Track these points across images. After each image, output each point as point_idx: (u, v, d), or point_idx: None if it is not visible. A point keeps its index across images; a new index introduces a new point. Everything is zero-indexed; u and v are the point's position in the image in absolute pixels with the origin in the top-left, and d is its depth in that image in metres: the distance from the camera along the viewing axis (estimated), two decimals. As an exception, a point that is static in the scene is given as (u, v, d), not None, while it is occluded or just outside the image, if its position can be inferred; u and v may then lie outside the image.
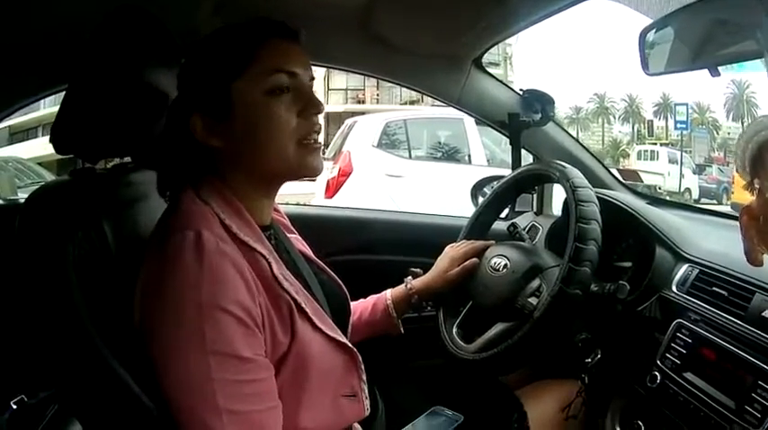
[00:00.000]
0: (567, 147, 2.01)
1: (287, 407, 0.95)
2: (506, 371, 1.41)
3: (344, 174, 6.34)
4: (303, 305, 1.00)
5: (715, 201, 18.38)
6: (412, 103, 19.96)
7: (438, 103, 2.20)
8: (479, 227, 1.61)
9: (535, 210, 2.09)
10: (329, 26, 1.68)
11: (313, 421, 1.01)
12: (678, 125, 24.14)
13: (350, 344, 1.09)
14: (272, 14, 1.03)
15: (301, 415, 0.99)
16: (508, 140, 2.00)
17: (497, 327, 1.29)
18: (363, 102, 22.05)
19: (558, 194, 1.92)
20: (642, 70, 1.29)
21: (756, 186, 0.90)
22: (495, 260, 1.40)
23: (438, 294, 1.47)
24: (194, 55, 1.04)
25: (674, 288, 1.31)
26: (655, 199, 2.01)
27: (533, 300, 1.26)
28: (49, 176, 7.68)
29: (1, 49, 1.40)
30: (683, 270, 1.33)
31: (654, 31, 1.28)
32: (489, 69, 2.01)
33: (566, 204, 1.55)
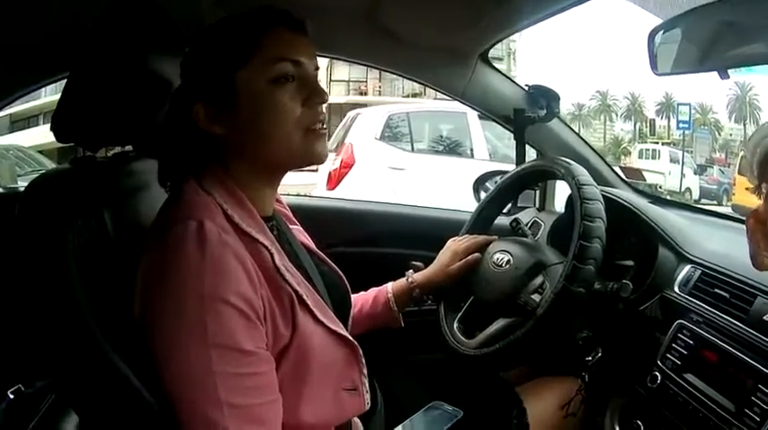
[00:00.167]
0: (571, 144, 1.99)
1: (287, 400, 0.95)
2: (507, 367, 1.41)
3: (347, 166, 6.30)
4: (305, 297, 0.99)
5: (715, 202, 18.40)
6: (414, 95, 19.94)
7: (441, 96, 2.19)
8: (482, 221, 1.61)
9: (537, 205, 2.08)
10: (335, 17, 1.68)
11: (313, 414, 1.00)
12: (680, 125, 24.11)
13: (351, 338, 1.09)
14: (277, 4, 1.02)
15: (302, 408, 0.98)
16: (511, 135, 1.99)
17: (499, 323, 1.29)
18: (365, 93, 21.99)
19: (561, 191, 1.92)
20: (651, 70, 1.28)
21: (763, 191, 0.89)
22: (497, 255, 1.39)
23: (439, 288, 1.47)
24: (198, 43, 1.03)
25: (676, 288, 1.31)
26: (657, 198, 2.00)
27: (536, 297, 1.25)
28: (50, 164, 7.68)
29: (2, 37, 1.39)
30: (685, 270, 1.33)
31: (662, 31, 1.27)
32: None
33: (569, 201, 1.55)
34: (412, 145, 6.92)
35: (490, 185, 2.11)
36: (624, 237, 1.54)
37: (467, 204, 2.07)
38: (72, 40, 1.09)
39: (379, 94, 21.62)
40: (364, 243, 2.03)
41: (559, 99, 1.90)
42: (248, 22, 1.00)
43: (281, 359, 0.95)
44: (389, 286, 1.46)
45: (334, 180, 6.30)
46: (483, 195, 2.05)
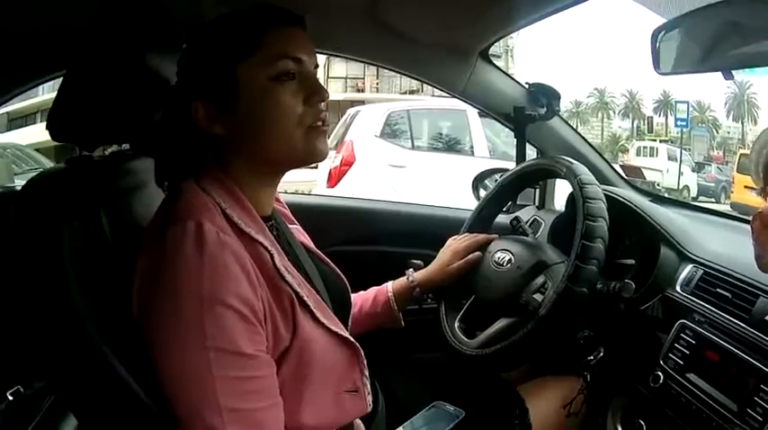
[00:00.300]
0: (571, 143, 1.99)
1: (288, 402, 0.94)
2: (509, 367, 1.40)
3: (347, 164, 6.31)
4: (305, 298, 0.98)
5: (713, 200, 18.45)
6: (412, 92, 19.97)
7: (439, 93, 2.19)
8: (482, 220, 1.60)
9: (537, 204, 2.08)
10: (335, 13, 1.67)
11: (315, 417, 1.00)
12: (678, 123, 24.18)
13: (352, 339, 1.08)
14: (277, 1, 1.01)
15: (303, 411, 0.98)
16: (508, 131, 1.98)
17: (500, 323, 1.28)
18: (363, 90, 21.99)
19: (560, 189, 1.92)
20: (653, 69, 1.28)
21: None
22: (498, 254, 1.39)
23: (439, 287, 1.46)
24: (198, 40, 1.02)
25: (678, 288, 1.30)
26: (657, 196, 2.00)
27: (538, 297, 1.25)
28: (48, 163, 7.65)
29: (-1, 34, 1.38)
30: (687, 270, 1.32)
31: (665, 31, 1.26)
32: (490, 61, 1.99)
33: (570, 200, 1.54)
34: (412, 142, 6.92)
35: (489, 183, 2.11)
36: (626, 237, 1.54)
37: (467, 201, 2.07)
38: (69, 38, 1.08)
39: (377, 91, 21.60)
40: (364, 242, 2.03)
41: (560, 97, 1.89)
42: (249, 18, 0.99)
43: (281, 361, 0.94)
44: (389, 285, 1.45)
45: (334, 178, 6.30)
46: (482, 193, 2.05)
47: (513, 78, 1.98)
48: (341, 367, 1.06)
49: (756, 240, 0.91)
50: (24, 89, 1.59)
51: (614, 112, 41.31)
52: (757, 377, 1.04)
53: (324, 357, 1.00)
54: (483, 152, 6.76)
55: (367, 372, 1.11)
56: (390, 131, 6.86)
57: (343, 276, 1.26)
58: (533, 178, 1.63)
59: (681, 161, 19.72)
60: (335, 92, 20.87)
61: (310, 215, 1.39)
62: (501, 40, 1.99)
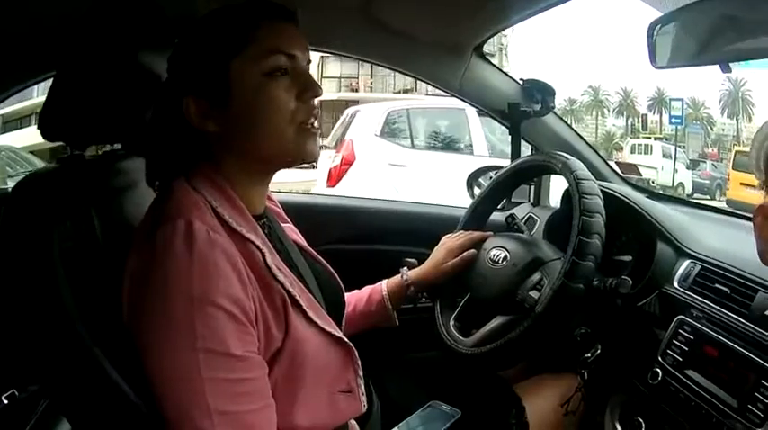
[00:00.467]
0: (566, 139, 1.99)
1: (282, 404, 0.93)
2: (505, 365, 1.38)
3: (347, 163, 6.34)
4: (297, 297, 0.97)
5: (708, 197, 18.52)
6: (406, 91, 19.99)
7: (434, 91, 2.18)
8: (477, 217, 1.59)
9: (532, 201, 2.07)
10: (330, 10, 1.66)
11: (308, 418, 0.99)
12: (672, 120, 24.26)
13: (346, 339, 1.07)
14: None
15: (296, 412, 0.97)
16: (504, 130, 1.98)
17: (496, 321, 1.27)
18: (357, 90, 22.03)
19: (555, 185, 1.91)
20: (649, 63, 1.27)
21: None
22: (494, 252, 1.38)
23: (434, 285, 1.45)
24: (190, 35, 1.01)
25: (675, 284, 1.29)
26: (653, 193, 2.00)
27: (534, 294, 1.23)
28: (42, 165, 7.64)
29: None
30: (684, 266, 1.31)
31: (662, 24, 1.26)
32: (484, 60, 1.98)
33: (566, 196, 1.53)
34: (412, 141, 6.98)
35: (483, 181, 2.09)
36: (622, 233, 1.52)
37: (467, 200, 2.06)
38: (59, 37, 1.08)
39: (371, 91, 21.62)
40: (358, 240, 2.02)
41: (554, 94, 1.89)
42: (242, 12, 0.98)
43: (273, 362, 0.93)
44: (384, 284, 1.45)
45: (334, 177, 6.34)
46: (476, 191, 2.04)
47: (507, 75, 1.97)
48: (334, 367, 1.05)
49: (759, 235, 0.89)
50: (15, 90, 1.58)
51: (609, 110, 41.44)
52: (757, 372, 1.03)
53: (317, 357, 0.99)
54: (482, 150, 6.80)
55: (361, 372, 1.10)
56: (390, 130, 6.90)
57: (336, 275, 1.25)
58: (528, 175, 1.62)
59: (675, 158, 19.79)
60: (330, 91, 20.91)
61: (303, 214, 1.39)
62: (495, 39, 1.99)
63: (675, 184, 18.53)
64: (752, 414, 1.00)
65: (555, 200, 1.89)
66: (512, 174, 1.56)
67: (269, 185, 1.11)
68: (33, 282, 0.90)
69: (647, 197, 1.68)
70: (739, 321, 1.12)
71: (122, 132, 1.15)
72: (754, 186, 0.97)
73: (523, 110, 1.88)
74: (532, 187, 2.07)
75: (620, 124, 40.87)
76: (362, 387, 1.10)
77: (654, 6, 1.39)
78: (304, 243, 1.24)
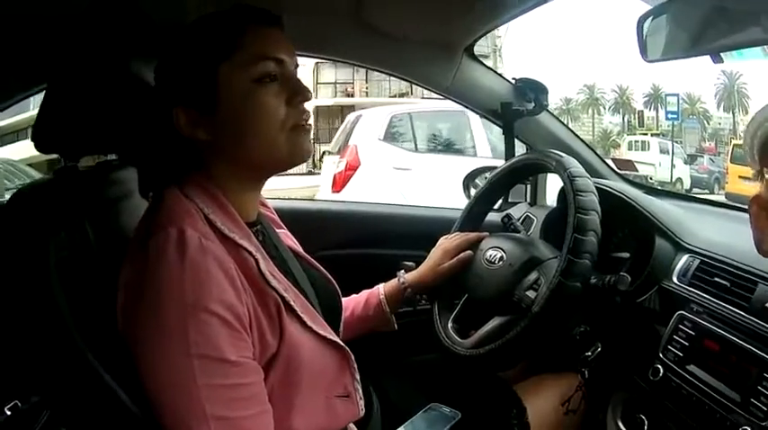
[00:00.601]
0: (560, 137, 1.98)
1: (278, 410, 0.93)
2: (504, 366, 1.38)
3: (352, 168, 6.34)
4: (292, 303, 0.97)
5: (707, 191, 18.55)
6: (401, 95, 20.07)
7: (429, 95, 2.18)
8: (473, 218, 1.58)
9: (529, 200, 2.07)
10: (319, 15, 1.66)
11: (306, 424, 0.98)
12: (669, 116, 24.34)
13: (342, 343, 1.06)
14: (260, 4, 1.00)
15: (293, 417, 0.96)
16: (499, 130, 1.97)
17: (494, 322, 1.26)
18: (352, 95, 22.12)
19: (552, 184, 1.90)
20: (641, 57, 1.26)
21: (766, 176, 0.87)
22: (490, 252, 1.37)
23: (431, 287, 1.44)
24: (176, 44, 1.00)
25: (674, 279, 1.29)
26: (650, 188, 1.99)
27: (531, 294, 1.22)
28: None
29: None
30: (683, 260, 1.31)
31: (652, 17, 1.25)
32: (478, 62, 1.98)
33: (562, 194, 1.52)
34: (415, 145, 6.99)
35: (480, 182, 2.09)
36: (619, 229, 1.52)
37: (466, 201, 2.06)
38: (49, 50, 1.10)
39: (366, 95, 21.70)
40: (354, 245, 2.01)
41: (547, 92, 1.89)
42: (227, 18, 0.98)
43: (269, 368, 0.93)
44: (381, 287, 1.44)
45: (339, 183, 6.34)
46: (473, 192, 2.03)
47: (499, 74, 1.97)
48: (331, 372, 1.04)
49: (755, 225, 0.88)
50: (7, 105, 1.58)
51: (605, 108, 41.62)
52: (760, 366, 1.02)
53: (312, 362, 0.99)
54: (485, 152, 6.81)
55: (358, 376, 1.10)
56: (393, 135, 6.92)
57: (333, 280, 1.25)
58: (523, 174, 1.61)
59: (673, 154, 19.82)
60: (325, 97, 21.03)
61: (299, 220, 1.39)
62: (489, 40, 1.99)
63: (674, 180, 18.57)
64: (755, 408, 0.99)
65: (552, 199, 1.89)
66: (506, 173, 1.55)
67: (260, 191, 1.11)
68: (29, 291, 0.91)
69: (645, 193, 1.67)
70: (740, 314, 1.11)
71: (116, 142, 1.14)
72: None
73: (516, 109, 1.88)
74: (529, 187, 2.06)
75: (616, 121, 41.06)
76: (360, 391, 1.10)
77: (645, 1, 1.39)
78: (300, 249, 1.24)
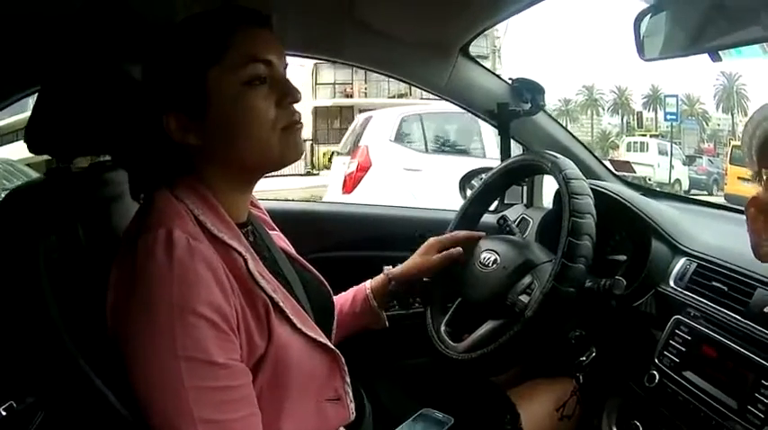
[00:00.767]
0: (557, 138, 1.97)
1: (267, 413, 0.92)
2: (496, 371, 1.37)
3: (363, 169, 6.39)
4: (281, 304, 0.96)
5: (706, 193, 18.59)
6: (400, 95, 20.09)
7: (428, 95, 2.17)
8: (468, 219, 1.56)
9: (525, 202, 2.05)
10: (311, 15, 1.65)
11: (296, 427, 0.98)
12: (668, 117, 24.40)
13: (332, 346, 1.05)
14: (253, 4, 1.00)
15: (283, 421, 0.96)
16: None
17: (487, 326, 1.25)
18: (351, 96, 22.14)
19: (549, 186, 1.89)
20: (638, 55, 1.25)
21: (764, 177, 0.85)
22: (484, 255, 1.35)
23: (425, 289, 1.44)
24: (164, 46, 0.99)
25: (671, 283, 1.27)
26: (648, 190, 1.99)
27: (524, 298, 1.21)
28: (37, 177, 7.68)
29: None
30: (680, 264, 1.29)
31: (649, 15, 1.25)
32: (477, 62, 1.97)
33: (558, 196, 1.51)
34: (426, 146, 7.05)
35: (476, 183, 2.08)
36: (615, 232, 1.51)
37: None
38: (42, 52, 1.12)
39: (365, 96, 21.72)
40: (348, 247, 2.00)
41: (544, 92, 1.88)
42: (215, 20, 0.97)
43: (257, 370, 0.93)
44: (368, 283, 1.43)
45: (350, 184, 6.40)
46: (469, 193, 2.02)
47: (495, 74, 1.96)
48: (321, 375, 1.04)
49: (752, 228, 0.87)
50: (5, 105, 1.57)
51: (603, 109, 41.79)
52: (757, 372, 1.00)
53: (301, 364, 0.98)
54: (494, 153, 6.83)
55: (349, 380, 1.09)
56: (403, 136, 6.97)
57: (326, 283, 1.24)
58: (518, 175, 1.60)
59: (671, 155, 19.84)
60: (324, 97, 21.04)
61: (292, 221, 1.39)
62: (488, 40, 1.98)
63: (672, 181, 18.59)
64: (752, 415, 0.97)
65: (549, 200, 1.87)
66: (501, 174, 1.53)
67: (251, 192, 1.10)
68: (20, 293, 0.92)
69: (642, 194, 1.66)
70: (737, 319, 1.10)
71: (108, 144, 1.15)
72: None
73: (513, 109, 1.87)
74: (525, 188, 2.05)
75: (615, 123, 41.19)
76: (351, 394, 1.09)
77: (645, 1, 1.37)
78: (292, 251, 1.24)
